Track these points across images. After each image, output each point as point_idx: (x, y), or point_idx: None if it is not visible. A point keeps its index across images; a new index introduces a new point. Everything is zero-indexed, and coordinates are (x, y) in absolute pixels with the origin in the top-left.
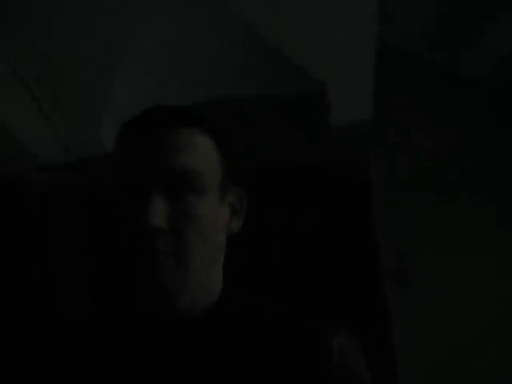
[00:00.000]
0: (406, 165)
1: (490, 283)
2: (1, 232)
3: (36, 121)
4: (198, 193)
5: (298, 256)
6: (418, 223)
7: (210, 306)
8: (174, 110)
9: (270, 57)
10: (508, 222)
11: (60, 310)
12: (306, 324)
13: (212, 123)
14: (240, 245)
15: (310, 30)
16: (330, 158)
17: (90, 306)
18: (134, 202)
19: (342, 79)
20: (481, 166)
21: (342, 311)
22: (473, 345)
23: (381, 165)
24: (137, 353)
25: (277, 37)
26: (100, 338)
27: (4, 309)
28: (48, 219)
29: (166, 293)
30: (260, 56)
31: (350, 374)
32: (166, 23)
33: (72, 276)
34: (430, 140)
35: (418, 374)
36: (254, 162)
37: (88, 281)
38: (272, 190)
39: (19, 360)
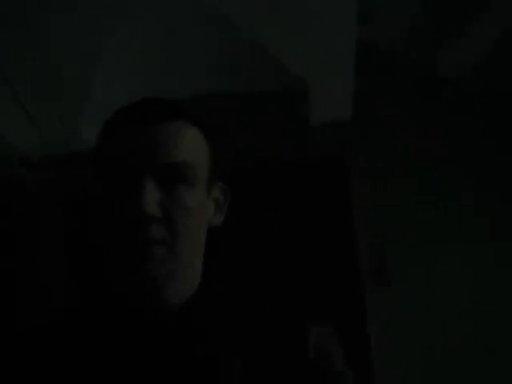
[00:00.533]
0: (386, 164)
1: (473, 283)
2: None
3: (18, 118)
4: (188, 184)
5: (278, 253)
6: (398, 222)
7: (189, 297)
8: (165, 102)
9: (251, 54)
10: (492, 221)
11: (46, 303)
12: (286, 316)
13: (200, 118)
14: (220, 240)
15: (291, 28)
16: (310, 156)
17: (74, 298)
18: (126, 191)
19: (323, 78)
20: (464, 165)
21: (319, 308)
22: (453, 345)
23: (360, 163)
24: (120, 342)
25: (260, 35)
26: (84, 328)
27: None
28: (33, 215)
29: (156, 281)
30: (242, 53)
31: (326, 359)
32: (151, 22)
33: (57, 269)
34: (411, 139)
35: (395, 373)
36: (233, 159)
37: (71, 272)
38: (252, 187)
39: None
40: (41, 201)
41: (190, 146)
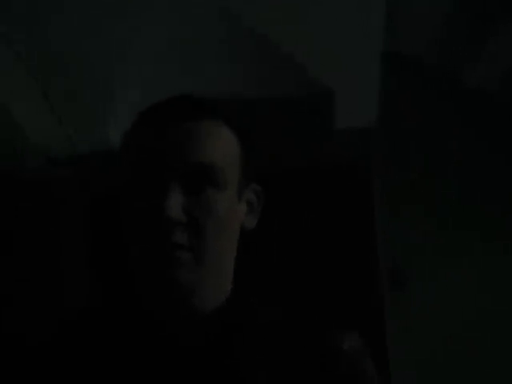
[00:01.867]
0: (408, 170)
1: (489, 286)
2: (7, 225)
3: (43, 115)
4: (217, 188)
5: (299, 258)
6: (419, 228)
7: (220, 305)
8: (196, 99)
9: (275, 58)
10: (507, 225)
11: (66, 303)
12: (315, 327)
13: (231, 115)
14: (253, 244)
15: (316, 33)
16: (332, 162)
17: (96, 299)
18: (151, 193)
19: (347, 83)
20: (482, 174)
21: (339, 313)
22: (469, 348)
23: (383, 169)
24: (144, 349)
25: (283, 40)
26: (105, 333)
27: (10, 302)
28: (54, 213)
29: (182, 288)
30: (264, 57)
31: (361, 376)
32: (168, 24)
33: (78, 269)
34: (435, 148)
35: (411, 376)
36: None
37: (93, 274)
38: (273, 192)
39: (25, 349)
40: (66, 199)
41: (220, 146)
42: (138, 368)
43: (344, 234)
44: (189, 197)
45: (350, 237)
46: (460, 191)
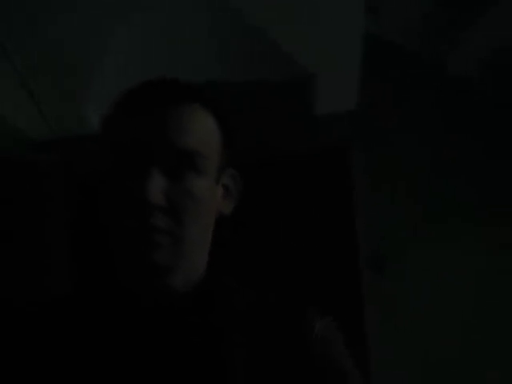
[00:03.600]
0: (388, 155)
1: (468, 272)
2: None
3: (25, 102)
4: (197, 172)
5: (279, 242)
6: (398, 213)
7: (195, 286)
8: (178, 83)
9: (256, 42)
10: (487, 212)
11: (46, 287)
12: (288, 308)
13: (214, 100)
14: (228, 229)
15: (298, 17)
16: (312, 146)
17: (75, 282)
18: (132, 177)
19: (329, 68)
20: (463, 161)
21: (318, 297)
22: (448, 336)
23: (363, 155)
24: (122, 329)
25: (265, 22)
26: (84, 313)
27: None
28: (35, 197)
29: (159, 270)
30: (246, 41)
31: (331, 355)
32: (155, 10)
33: (61, 254)
34: (414, 134)
35: (391, 362)
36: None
37: (72, 257)
38: (254, 177)
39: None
40: (47, 183)
41: (202, 132)
42: (115, 343)
43: (324, 218)
44: (169, 181)
45: (330, 221)
46: (441, 177)
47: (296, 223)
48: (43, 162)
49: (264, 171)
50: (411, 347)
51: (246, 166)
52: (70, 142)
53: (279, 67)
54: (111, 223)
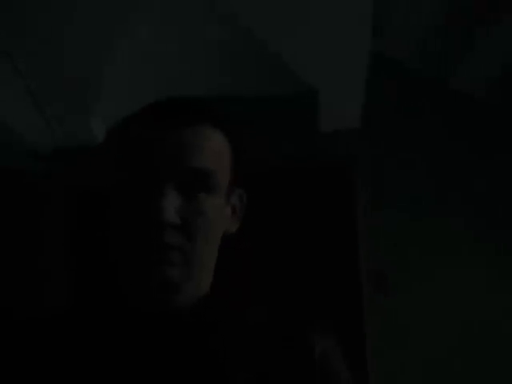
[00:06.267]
0: (392, 174)
1: (474, 289)
2: None
3: (29, 111)
4: (209, 191)
5: (282, 258)
6: (401, 232)
7: (199, 303)
8: (191, 103)
9: (262, 59)
10: (490, 237)
11: (46, 299)
12: (290, 326)
13: (225, 120)
14: (233, 246)
15: (303, 34)
16: (316, 162)
17: (76, 296)
18: (146, 195)
19: (333, 85)
20: (469, 178)
21: (320, 313)
22: (452, 351)
23: (367, 169)
24: (124, 342)
25: (272, 40)
26: (85, 327)
27: None
28: (36, 207)
29: (169, 286)
30: (252, 57)
31: (331, 373)
32: (157, 23)
33: (60, 266)
34: (418, 151)
35: (391, 378)
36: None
37: (75, 271)
38: (257, 192)
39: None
40: (48, 194)
41: (214, 152)
42: (117, 358)
43: (327, 234)
44: (182, 199)
45: (333, 238)
46: (446, 193)
47: (299, 240)
48: (47, 172)
49: (268, 187)
50: (412, 365)
51: (249, 181)
52: (75, 153)
53: (285, 83)
54: (121, 239)
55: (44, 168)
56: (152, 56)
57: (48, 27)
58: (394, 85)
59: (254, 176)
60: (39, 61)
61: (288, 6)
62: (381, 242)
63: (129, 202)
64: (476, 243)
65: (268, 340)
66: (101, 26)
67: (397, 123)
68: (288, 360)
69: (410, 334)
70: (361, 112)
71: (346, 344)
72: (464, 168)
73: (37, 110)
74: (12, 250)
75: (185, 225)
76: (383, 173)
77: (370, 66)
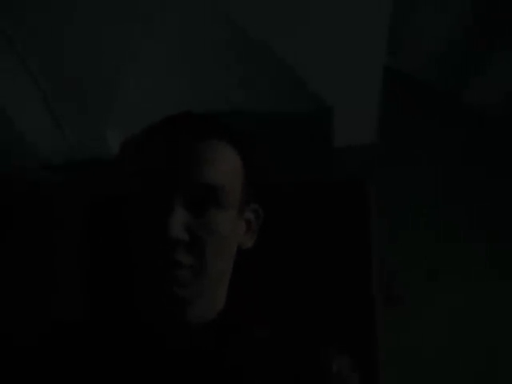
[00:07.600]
0: (407, 191)
1: (486, 305)
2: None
3: (43, 119)
4: (220, 208)
5: (294, 273)
6: (415, 250)
7: (213, 319)
8: (203, 117)
9: (277, 75)
10: (503, 258)
11: (57, 312)
12: (305, 344)
13: (239, 136)
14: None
15: (318, 49)
16: (331, 178)
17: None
18: (156, 210)
19: (348, 99)
20: (484, 196)
21: (332, 331)
22: (465, 366)
23: (382, 186)
24: (134, 359)
25: (283, 54)
26: (98, 342)
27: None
28: (49, 219)
29: (180, 303)
30: (264, 71)
31: None
32: (169, 37)
33: (71, 279)
34: (433, 168)
35: None
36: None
37: (86, 284)
38: (271, 208)
39: (12, 350)
40: (62, 205)
41: (226, 167)
42: (132, 375)
43: (341, 250)
44: (192, 215)
45: (346, 254)
46: (461, 210)
47: (312, 255)
48: (60, 183)
49: (281, 203)
50: (426, 378)
51: (264, 197)
52: (90, 164)
53: (299, 99)
54: (135, 252)
55: (58, 179)
56: (167, 68)
57: (65, 38)
58: (410, 99)
59: (267, 192)
60: (55, 71)
61: (303, 22)
62: (396, 257)
63: (141, 215)
64: (495, 266)
65: (284, 358)
66: (116, 38)
67: (411, 139)
68: (306, 376)
69: (423, 355)
70: (375, 128)
71: (360, 367)
72: (482, 186)
73: (52, 121)
74: (26, 263)
75: (194, 241)
76: (398, 187)
77: (385, 80)
